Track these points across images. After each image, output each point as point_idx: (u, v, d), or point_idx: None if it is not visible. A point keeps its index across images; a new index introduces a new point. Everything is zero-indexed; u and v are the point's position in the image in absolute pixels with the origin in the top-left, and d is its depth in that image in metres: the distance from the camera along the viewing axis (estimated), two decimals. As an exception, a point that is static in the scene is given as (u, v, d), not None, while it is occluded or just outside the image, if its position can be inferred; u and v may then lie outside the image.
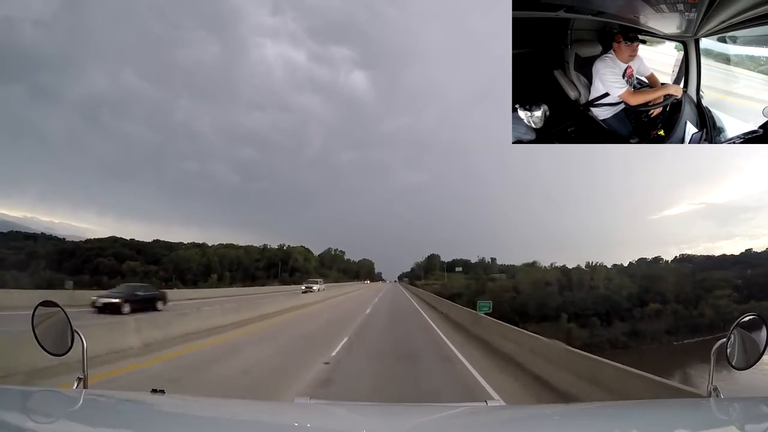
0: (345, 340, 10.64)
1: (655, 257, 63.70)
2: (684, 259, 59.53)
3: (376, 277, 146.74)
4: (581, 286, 45.15)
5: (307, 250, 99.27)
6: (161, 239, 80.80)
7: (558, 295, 42.33)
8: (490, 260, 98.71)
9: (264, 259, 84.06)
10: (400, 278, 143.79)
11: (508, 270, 79.27)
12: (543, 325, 33.12)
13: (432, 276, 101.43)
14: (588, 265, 57.57)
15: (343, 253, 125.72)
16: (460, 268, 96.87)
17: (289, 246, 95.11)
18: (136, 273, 59.55)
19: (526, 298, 43.39)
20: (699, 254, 61.79)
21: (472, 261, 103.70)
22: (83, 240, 73.56)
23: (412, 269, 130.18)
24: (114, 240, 72.99)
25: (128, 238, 75.27)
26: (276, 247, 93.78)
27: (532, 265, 72.75)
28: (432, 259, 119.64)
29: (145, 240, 77.30)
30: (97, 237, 75.77)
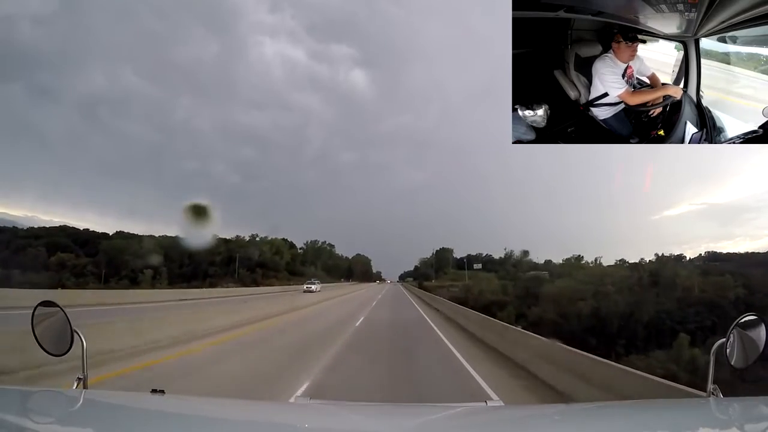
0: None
1: (678, 255, 50.59)
2: (715, 258, 48.15)
3: (373, 277, 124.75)
4: (671, 289, 31.32)
5: (286, 242, 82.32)
6: (127, 231, 66.54)
7: (652, 302, 29.08)
8: (520, 254, 73.96)
9: (226, 252, 69.04)
10: (403, 278, 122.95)
11: (536, 268, 62.94)
12: (655, 354, 20.57)
13: (445, 275, 79.78)
14: (659, 258, 42.49)
15: (332, 246, 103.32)
16: (479, 265, 76.42)
17: (265, 237, 78.04)
18: (65, 266, 51.06)
19: (607, 308, 29.08)
20: (726, 251, 51.14)
21: (495, 256, 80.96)
22: (24, 228, 62.61)
23: (416, 267, 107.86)
24: (61, 229, 62.76)
25: (82, 228, 64.42)
26: (248, 238, 76.94)
27: (578, 261, 56.34)
28: (442, 254, 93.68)
29: (107, 232, 65.00)
30: (41, 226, 64.37)
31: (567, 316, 29.30)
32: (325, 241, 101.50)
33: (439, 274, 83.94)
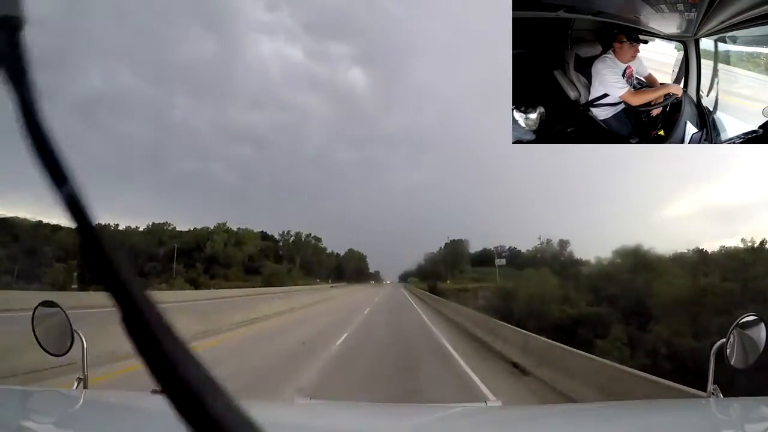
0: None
1: (694, 250, 38.04)
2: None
3: (369, 277, 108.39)
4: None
5: (260, 233, 69.85)
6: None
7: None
8: (557, 245, 54.36)
9: (173, 246, 58.21)
10: (404, 278, 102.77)
11: (579, 263, 45.74)
12: None
13: (461, 274, 63.62)
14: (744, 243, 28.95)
15: (318, 240, 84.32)
16: (503, 261, 60.46)
17: (223, 224, 64.73)
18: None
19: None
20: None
21: (522, 250, 63.60)
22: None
23: (420, 266, 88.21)
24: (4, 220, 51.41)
25: (35, 219, 51.82)
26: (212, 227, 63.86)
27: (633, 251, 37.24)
28: (456, 247, 72.73)
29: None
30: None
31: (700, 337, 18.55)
32: (310, 234, 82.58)
33: (454, 272, 66.27)
